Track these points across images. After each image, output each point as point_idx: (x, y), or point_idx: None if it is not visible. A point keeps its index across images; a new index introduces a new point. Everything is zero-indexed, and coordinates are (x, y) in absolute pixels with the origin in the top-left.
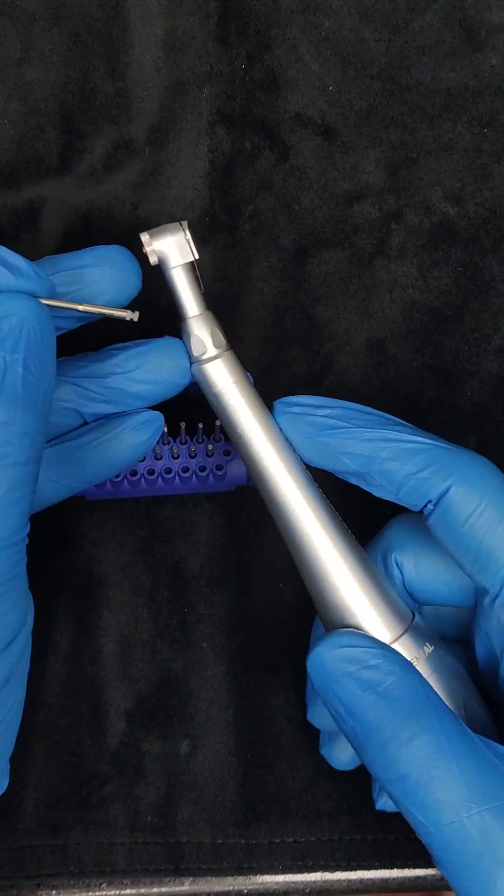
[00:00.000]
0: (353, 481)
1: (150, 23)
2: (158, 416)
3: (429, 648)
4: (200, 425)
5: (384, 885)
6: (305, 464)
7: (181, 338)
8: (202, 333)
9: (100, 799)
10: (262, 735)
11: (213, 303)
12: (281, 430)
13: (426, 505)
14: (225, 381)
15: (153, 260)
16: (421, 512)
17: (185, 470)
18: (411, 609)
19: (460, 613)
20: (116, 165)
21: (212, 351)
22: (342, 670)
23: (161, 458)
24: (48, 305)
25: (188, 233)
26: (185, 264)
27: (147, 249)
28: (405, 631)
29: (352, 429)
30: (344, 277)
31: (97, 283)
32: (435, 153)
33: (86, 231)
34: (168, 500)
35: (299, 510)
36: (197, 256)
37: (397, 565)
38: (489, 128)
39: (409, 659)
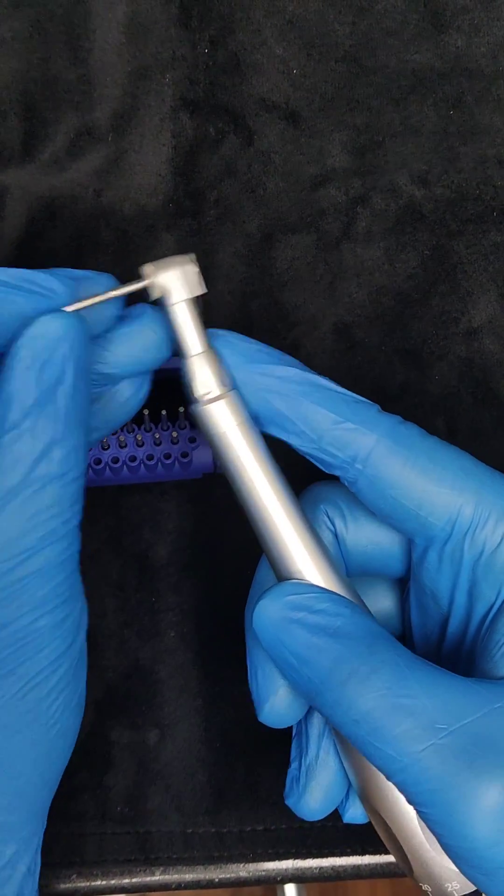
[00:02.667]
0: (271, 430)
1: (112, 8)
2: (145, 376)
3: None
4: (164, 412)
5: (356, 871)
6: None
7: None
8: (204, 374)
9: (69, 789)
10: (232, 723)
11: None
12: (284, 476)
13: (352, 468)
14: (228, 423)
15: (155, 294)
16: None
17: (150, 458)
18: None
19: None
20: (79, 152)
21: (215, 392)
22: (290, 619)
23: (125, 446)
24: (80, 308)
25: (196, 265)
26: (189, 299)
27: (148, 282)
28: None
29: (279, 366)
30: (310, 262)
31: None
32: (401, 136)
33: (49, 219)
34: (135, 489)
35: (300, 558)
36: (205, 290)
37: (328, 518)
38: (455, 109)
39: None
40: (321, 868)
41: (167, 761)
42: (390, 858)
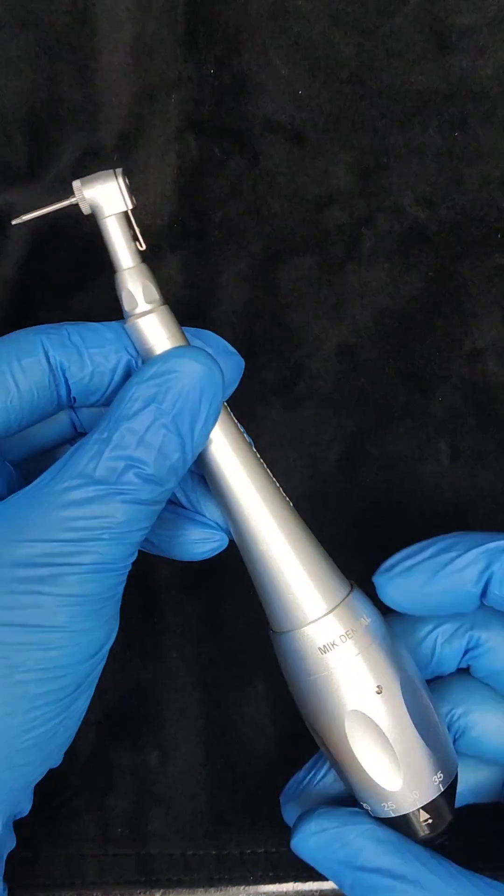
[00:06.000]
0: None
1: (118, 29)
2: (223, 537)
3: (366, 621)
4: None
5: None
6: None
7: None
8: (134, 287)
9: (70, 811)
10: (233, 745)
11: (183, 309)
12: (232, 414)
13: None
14: (157, 336)
15: (85, 209)
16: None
17: None
18: (350, 581)
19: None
20: (85, 172)
21: (143, 306)
22: (321, 855)
23: None
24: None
25: (122, 180)
26: (118, 214)
27: (77, 197)
28: (340, 602)
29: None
30: (314, 283)
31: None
32: (406, 157)
33: (54, 238)
34: None
35: (239, 487)
36: (131, 206)
37: (458, 720)
38: (460, 131)
39: (344, 630)
40: (322, 891)
41: (168, 783)
42: None
